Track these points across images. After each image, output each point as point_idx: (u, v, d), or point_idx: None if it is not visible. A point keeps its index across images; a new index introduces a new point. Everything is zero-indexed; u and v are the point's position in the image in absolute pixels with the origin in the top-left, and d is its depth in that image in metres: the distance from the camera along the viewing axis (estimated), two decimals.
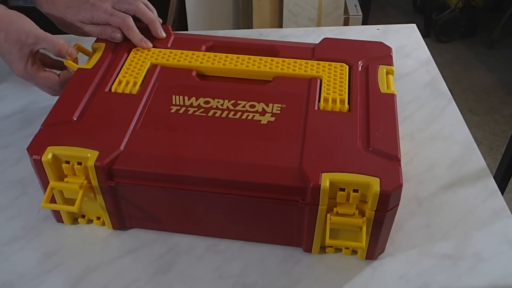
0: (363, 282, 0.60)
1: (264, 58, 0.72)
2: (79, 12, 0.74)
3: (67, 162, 0.58)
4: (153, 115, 0.63)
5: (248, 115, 0.64)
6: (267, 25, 1.88)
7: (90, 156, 0.57)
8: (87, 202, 0.61)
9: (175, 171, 0.57)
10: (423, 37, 0.99)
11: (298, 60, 0.72)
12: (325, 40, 0.76)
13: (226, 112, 0.64)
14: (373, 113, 0.64)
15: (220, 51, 0.74)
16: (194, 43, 0.75)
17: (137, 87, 0.67)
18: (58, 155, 0.58)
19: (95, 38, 0.76)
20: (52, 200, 0.60)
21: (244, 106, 0.65)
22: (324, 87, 0.68)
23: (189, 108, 0.64)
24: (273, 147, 0.60)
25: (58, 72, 0.72)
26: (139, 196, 0.60)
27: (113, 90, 0.67)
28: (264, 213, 0.59)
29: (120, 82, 0.68)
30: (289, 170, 0.57)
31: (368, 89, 0.67)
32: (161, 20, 0.76)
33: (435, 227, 0.65)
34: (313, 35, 0.98)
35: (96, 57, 0.72)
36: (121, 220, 0.63)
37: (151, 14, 0.75)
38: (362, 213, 0.57)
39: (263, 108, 0.65)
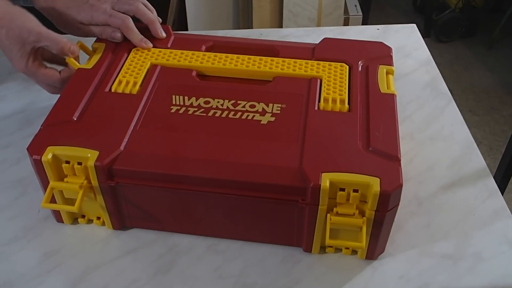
0: (363, 282, 0.60)
1: (264, 58, 0.72)
2: (79, 13, 0.74)
3: (67, 162, 0.58)
4: (153, 115, 0.63)
5: (248, 115, 0.64)
6: (267, 25, 1.88)
7: (90, 156, 0.57)
8: (87, 202, 0.61)
9: (175, 171, 0.57)
10: (423, 37, 0.99)
11: (298, 60, 0.72)
12: (325, 40, 0.77)
13: (226, 112, 0.64)
14: (373, 113, 0.64)
15: (220, 51, 0.74)
16: (194, 43, 0.75)
17: (137, 87, 0.67)
18: (58, 155, 0.58)
19: (95, 38, 0.76)
20: (52, 200, 0.60)
21: (244, 106, 0.65)
22: (324, 87, 0.68)
23: (189, 108, 0.64)
24: (273, 147, 0.60)
25: (59, 69, 0.72)
26: (139, 196, 0.60)
27: (113, 90, 0.67)
28: (264, 213, 0.59)
29: (120, 82, 0.68)
30: (289, 170, 0.57)
31: (368, 89, 0.67)
32: (160, 20, 0.76)
33: (435, 227, 0.65)
34: (313, 35, 0.98)
35: (96, 57, 0.72)
36: (121, 220, 0.63)
37: (151, 15, 0.75)
38: (362, 213, 0.57)
39: (263, 108, 0.65)
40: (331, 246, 0.62)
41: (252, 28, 1.88)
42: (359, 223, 0.56)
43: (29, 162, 0.59)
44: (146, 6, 0.76)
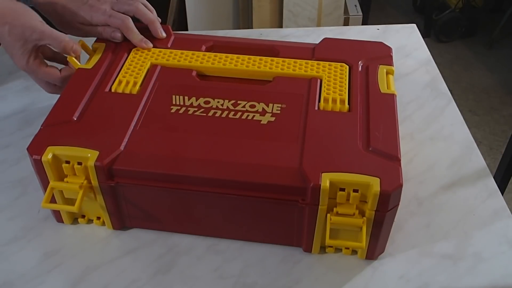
0: (363, 282, 0.60)
1: (264, 58, 0.72)
2: (78, 13, 0.74)
3: (67, 162, 0.58)
4: (153, 115, 0.63)
5: (248, 115, 0.64)
6: (267, 25, 1.88)
7: (90, 156, 0.57)
8: (87, 202, 0.61)
9: (175, 171, 0.57)
10: (423, 37, 0.99)
11: (298, 60, 0.72)
12: (325, 40, 0.77)
13: (226, 112, 0.64)
14: (373, 113, 0.64)
15: (220, 51, 0.74)
16: (194, 43, 0.75)
17: (137, 87, 0.67)
18: (58, 155, 0.58)
19: (95, 38, 0.76)
20: (52, 200, 0.60)
21: (244, 106, 0.65)
22: (324, 87, 0.68)
23: (189, 108, 0.64)
24: (273, 147, 0.60)
25: (59, 67, 0.72)
26: (139, 196, 0.60)
27: (113, 90, 0.67)
28: (264, 213, 0.59)
29: (120, 82, 0.68)
30: (289, 170, 0.57)
31: (368, 89, 0.67)
32: (160, 20, 0.76)
33: (435, 227, 0.65)
34: (313, 35, 0.98)
35: (96, 57, 0.72)
36: (121, 220, 0.63)
37: (151, 15, 0.75)
38: (362, 213, 0.57)
39: (263, 108, 0.65)
40: (331, 246, 0.62)
41: (252, 28, 1.88)
42: (359, 223, 0.56)
43: (29, 162, 0.59)
44: (146, 6, 0.76)
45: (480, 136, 2.01)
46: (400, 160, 0.58)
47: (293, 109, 0.65)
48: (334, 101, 0.66)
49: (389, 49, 0.75)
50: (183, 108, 0.64)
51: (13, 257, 0.61)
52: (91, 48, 0.74)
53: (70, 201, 0.61)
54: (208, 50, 0.75)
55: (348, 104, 0.66)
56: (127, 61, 0.71)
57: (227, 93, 0.67)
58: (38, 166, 0.58)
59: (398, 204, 0.57)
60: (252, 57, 0.72)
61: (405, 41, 0.98)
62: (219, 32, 0.96)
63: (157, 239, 0.63)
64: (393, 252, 0.62)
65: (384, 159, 0.58)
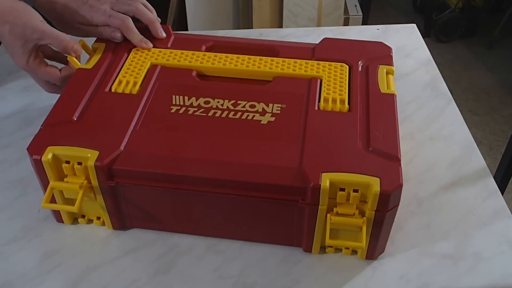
0: (363, 282, 0.60)
1: (264, 58, 0.72)
2: (78, 14, 0.74)
3: (67, 162, 0.58)
4: (153, 115, 0.63)
5: (248, 115, 0.64)
6: (267, 25, 1.88)
7: (90, 156, 0.57)
8: (87, 202, 0.61)
9: (175, 171, 0.57)
10: (423, 37, 0.99)
11: (298, 60, 0.72)
12: (325, 40, 0.77)
13: (226, 112, 0.64)
14: (373, 113, 0.64)
15: (220, 51, 0.74)
16: (194, 43, 0.75)
17: (137, 87, 0.67)
18: (58, 155, 0.58)
19: (95, 38, 0.76)
20: (52, 200, 0.60)
21: (244, 106, 0.65)
22: (324, 87, 0.68)
23: (189, 108, 0.64)
24: (273, 147, 0.60)
25: (59, 67, 0.72)
26: (139, 196, 0.60)
27: (113, 90, 0.67)
28: (264, 213, 0.59)
29: (120, 82, 0.68)
30: (289, 170, 0.57)
31: (368, 89, 0.67)
32: (160, 20, 0.76)
33: (435, 227, 0.65)
34: (313, 35, 0.98)
35: (96, 57, 0.72)
36: (121, 220, 0.63)
37: (150, 15, 0.75)
38: (362, 213, 0.57)
39: (263, 108, 0.65)
40: (331, 246, 0.62)
41: (252, 28, 1.88)
42: (359, 223, 0.56)
43: (29, 162, 0.59)
44: (145, 6, 0.76)
45: (480, 136, 2.01)
46: (400, 160, 0.58)
47: (293, 109, 0.65)
48: (334, 101, 0.66)
49: (389, 49, 0.75)
50: (183, 108, 0.64)
51: (13, 257, 0.62)
52: (91, 48, 0.74)
53: (70, 201, 0.61)
54: (208, 50, 0.75)
55: (348, 104, 0.66)
56: (127, 61, 0.71)
57: (227, 93, 0.67)
58: (38, 166, 0.58)
59: (398, 204, 0.57)
60: (252, 57, 0.72)
61: (405, 41, 0.98)
62: (219, 32, 0.96)
63: (157, 239, 0.63)
64: (393, 252, 0.62)
65: (384, 159, 0.58)
